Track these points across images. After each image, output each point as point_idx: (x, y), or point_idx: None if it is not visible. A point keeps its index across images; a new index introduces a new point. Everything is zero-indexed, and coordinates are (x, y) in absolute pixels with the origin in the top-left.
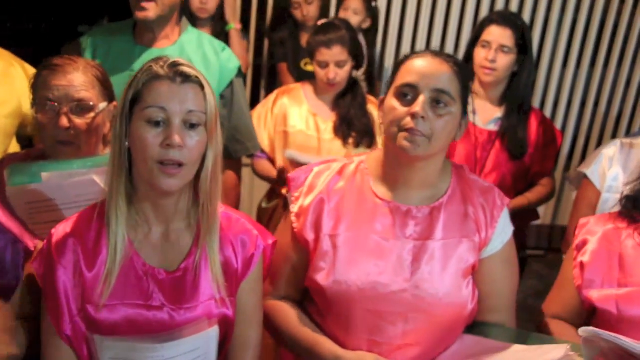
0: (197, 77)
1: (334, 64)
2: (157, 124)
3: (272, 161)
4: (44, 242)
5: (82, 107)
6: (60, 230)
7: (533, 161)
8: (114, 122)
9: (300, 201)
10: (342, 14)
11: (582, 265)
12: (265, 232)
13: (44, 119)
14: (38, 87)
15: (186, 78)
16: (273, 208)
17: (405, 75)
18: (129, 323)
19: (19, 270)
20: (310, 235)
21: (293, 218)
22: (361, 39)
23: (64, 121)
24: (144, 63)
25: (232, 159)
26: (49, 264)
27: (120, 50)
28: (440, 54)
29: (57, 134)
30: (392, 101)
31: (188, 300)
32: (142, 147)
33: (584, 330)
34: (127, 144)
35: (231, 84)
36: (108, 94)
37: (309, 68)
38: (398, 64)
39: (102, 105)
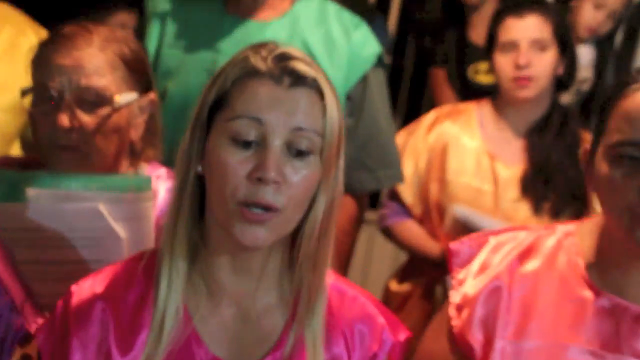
0: (315, 79)
1: (528, 42)
2: (246, 144)
3: (419, 221)
4: (58, 305)
5: (92, 99)
6: (85, 289)
7: None
8: (184, 135)
9: (466, 287)
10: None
11: None
12: (395, 322)
13: (39, 113)
14: (35, 68)
15: (299, 79)
16: (407, 294)
17: (627, 125)
18: None
19: (4, 356)
20: (476, 338)
21: (452, 311)
22: (586, 51)
23: (64, 119)
24: (239, 48)
25: (352, 193)
26: (62, 338)
27: (201, 21)
28: None
29: (55, 136)
30: (606, 168)
31: None
32: (220, 177)
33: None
34: (199, 168)
35: (364, 79)
36: (139, 81)
37: (482, 79)
38: (613, 95)
39: (125, 97)
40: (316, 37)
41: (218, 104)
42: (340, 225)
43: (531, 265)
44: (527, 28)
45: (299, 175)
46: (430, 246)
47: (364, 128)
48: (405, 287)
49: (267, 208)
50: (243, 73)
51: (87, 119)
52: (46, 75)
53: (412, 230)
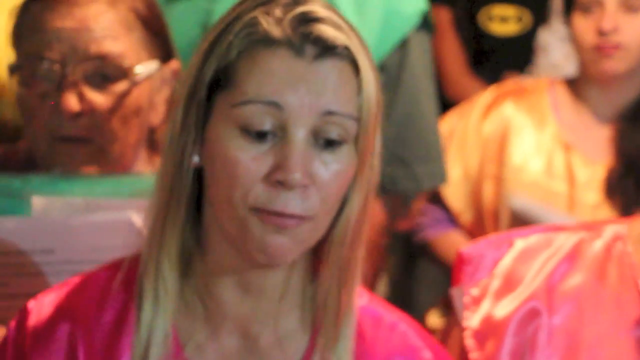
0: (347, 46)
1: (616, 1)
2: (261, 135)
3: (469, 232)
4: (11, 326)
5: (104, 72)
6: (46, 306)
7: None
8: (174, 116)
9: (486, 306)
10: None
11: None
12: (445, 356)
13: (33, 96)
14: (22, 34)
15: (326, 49)
16: (452, 330)
17: None
18: None
19: None
20: None
21: (469, 341)
22: None
23: (69, 100)
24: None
25: (383, 194)
26: None
27: None
28: None
29: (58, 124)
30: None
31: None
32: (227, 177)
33: None
34: (196, 159)
35: (404, 44)
36: (159, 46)
37: (496, 28)
38: None
39: (145, 67)
40: None
41: (219, 80)
42: (373, 235)
43: (574, 280)
44: None
45: (331, 172)
46: None
47: (400, 109)
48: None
49: (297, 217)
50: (252, 41)
51: (100, 99)
52: (40, 44)
53: (460, 245)
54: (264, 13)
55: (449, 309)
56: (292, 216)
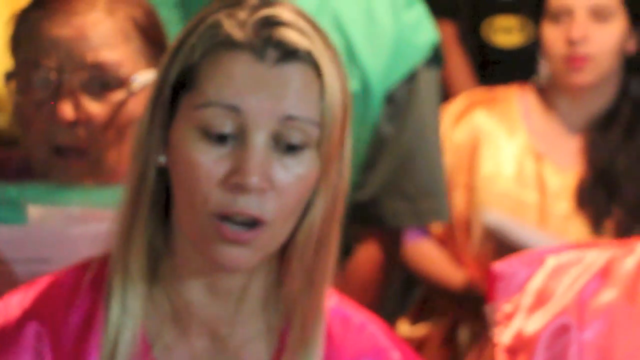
0: (309, 51)
1: (586, 9)
2: (221, 138)
3: (440, 241)
4: None
5: (101, 81)
6: (12, 306)
7: None
8: (142, 116)
9: (517, 322)
10: None
11: None
12: (413, 357)
13: (29, 104)
14: (20, 41)
15: (288, 53)
16: (422, 339)
17: None
18: None
19: None
20: None
21: (501, 356)
22: None
23: (65, 109)
24: (209, 4)
25: (383, 229)
26: None
27: None
28: None
29: (54, 135)
30: None
31: None
32: (188, 180)
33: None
34: (162, 160)
35: (413, 76)
36: (157, 55)
37: (501, 39)
38: None
39: (143, 76)
40: (353, 13)
41: (183, 82)
42: (363, 274)
43: (605, 296)
44: None
45: (291, 176)
46: (452, 275)
47: (405, 142)
48: (419, 329)
49: (255, 222)
50: (214, 43)
51: (96, 108)
52: (38, 52)
53: (430, 254)
54: (227, 16)
55: (417, 317)
56: (249, 217)
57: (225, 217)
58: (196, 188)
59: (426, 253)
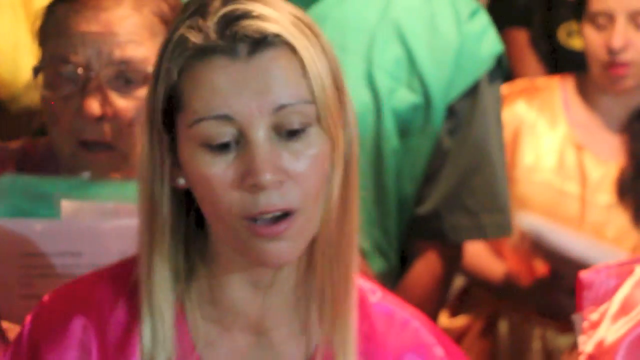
0: (278, 33)
1: (626, 16)
2: (224, 147)
3: None
4: (26, 322)
5: (128, 77)
6: (60, 301)
7: None
8: (142, 144)
9: (602, 331)
10: None
11: None
12: (458, 353)
13: (57, 99)
14: (48, 36)
15: (257, 43)
16: (462, 330)
17: None
18: None
19: None
20: None
21: None
22: None
23: (92, 104)
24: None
25: (444, 244)
26: None
27: None
28: None
29: (81, 128)
30: None
31: None
32: (208, 194)
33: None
34: (181, 181)
35: (476, 88)
36: None
37: (578, 43)
38: None
39: None
40: (416, 24)
41: (172, 104)
42: (421, 288)
43: None
44: None
45: (303, 160)
46: (493, 267)
47: (468, 156)
48: (459, 321)
49: (286, 212)
50: (186, 58)
51: (123, 104)
52: (66, 47)
53: (471, 246)
54: (188, 28)
55: (457, 309)
56: (276, 212)
57: (254, 218)
58: (216, 199)
59: (467, 245)
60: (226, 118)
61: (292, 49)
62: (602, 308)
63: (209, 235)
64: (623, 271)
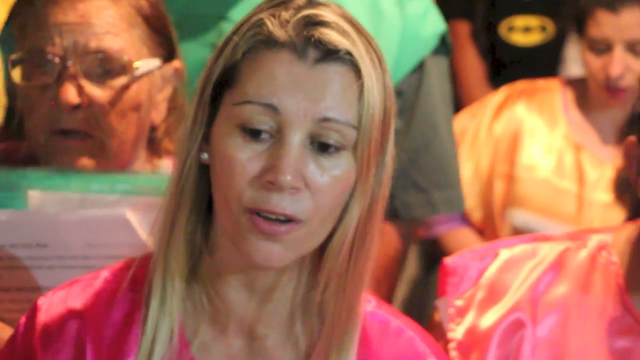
0: (350, 51)
1: (624, 45)
2: (257, 134)
3: (479, 230)
4: (21, 322)
5: (104, 67)
6: (55, 303)
7: None
8: (188, 115)
9: (470, 318)
10: None
11: None
12: None
13: (33, 89)
14: (24, 25)
15: (328, 53)
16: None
17: None
18: None
19: None
20: None
21: (453, 352)
22: None
23: (68, 93)
24: (253, 5)
25: (396, 221)
26: None
27: None
28: None
29: (57, 117)
30: None
31: None
32: (225, 174)
33: None
34: (204, 156)
35: (421, 67)
36: (161, 44)
37: (518, 38)
38: None
39: (145, 63)
40: (358, 7)
41: (226, 79)
42: (379, 264)
43: (559, 290)
44: (623, 26)
45: (327, 177)
46: None
47: (416, 134)
48: None
49: (290, 219)
50: (256, 42)
51: (99, 93)
52: (43, 38)
53: (469, 242)
54: (270, 15)
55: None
56: (282, 215)
57: (258, 213)
58: (231, 184)
59: (465, 241)
60: (272, 108)
61: (357, 72)
62: (467, 294)
63: (213, 224)
64: (487, 255)
